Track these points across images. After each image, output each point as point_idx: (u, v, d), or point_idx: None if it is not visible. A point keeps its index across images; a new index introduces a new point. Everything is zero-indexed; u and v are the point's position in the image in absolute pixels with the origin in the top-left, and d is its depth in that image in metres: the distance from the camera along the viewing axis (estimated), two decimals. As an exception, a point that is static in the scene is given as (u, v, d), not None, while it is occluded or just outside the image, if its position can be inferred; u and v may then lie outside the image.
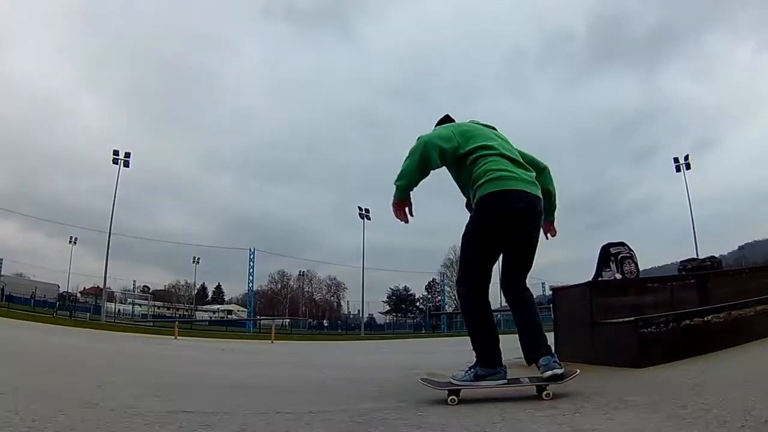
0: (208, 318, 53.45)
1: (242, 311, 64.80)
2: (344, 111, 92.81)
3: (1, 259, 47.95)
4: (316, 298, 67.08)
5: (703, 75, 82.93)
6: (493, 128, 2.74)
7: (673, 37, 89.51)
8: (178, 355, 7.00)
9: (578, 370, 2.30)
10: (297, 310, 62.40)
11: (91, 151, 77.91)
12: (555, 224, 2.87)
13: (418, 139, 2.53)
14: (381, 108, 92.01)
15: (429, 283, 62.12)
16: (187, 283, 62.88)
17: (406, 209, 2.60)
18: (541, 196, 2.50)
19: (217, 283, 67.25)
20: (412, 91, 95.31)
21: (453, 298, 60.72)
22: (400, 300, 63.27)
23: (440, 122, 2.84)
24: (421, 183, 2.58)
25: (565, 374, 2.23)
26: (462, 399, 2.25)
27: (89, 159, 75.96)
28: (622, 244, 4.55)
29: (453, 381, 2.38)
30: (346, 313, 63.83)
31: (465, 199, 2.72)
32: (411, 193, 2.58)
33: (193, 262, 54.18)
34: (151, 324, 31.79)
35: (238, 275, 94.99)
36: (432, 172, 2.56)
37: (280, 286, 63.13)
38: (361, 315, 45.09)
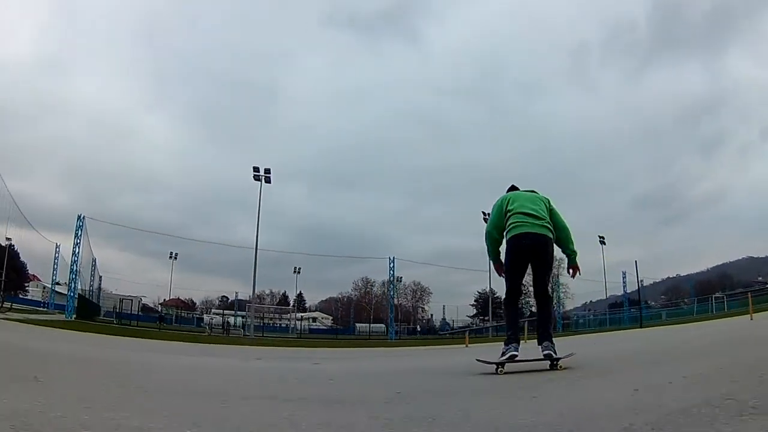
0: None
1: (326, 318, 63.86)
2: (410, 114, 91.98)
3: (101, 276, 47.39)
4: (399, 304, 65.42)
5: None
6: (533, 191, 4.34)
7: (734, 19, 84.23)
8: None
9: (574, 353, 4.12)
10: (379, 317, 60.86)
11: (159, 166, 79.54)
12: (576, 266, 4.34)
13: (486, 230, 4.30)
14: (447, 110, 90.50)
15: (517, 284, 59.48)
16: (271, 292, 62.60)
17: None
18: (545, 233, 3.97)
19: (298, 291, 66.70)
20: (477, 91, 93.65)
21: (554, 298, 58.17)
22: (487, 303, 60.77)
23: (509, 189, 4.47)
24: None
25: (558, 355, 3.66)
26: (507, 371, 3.64)
27: (156, 175, 77.42)
28: None
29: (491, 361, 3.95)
30: (428, 318, 62.00)
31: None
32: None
33: (294, 272, 53.45)
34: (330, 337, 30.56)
35: (317, 283, 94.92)
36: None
37: (363, 292, 61.78)
38: (489, 321, 42.77)
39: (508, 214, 4.04)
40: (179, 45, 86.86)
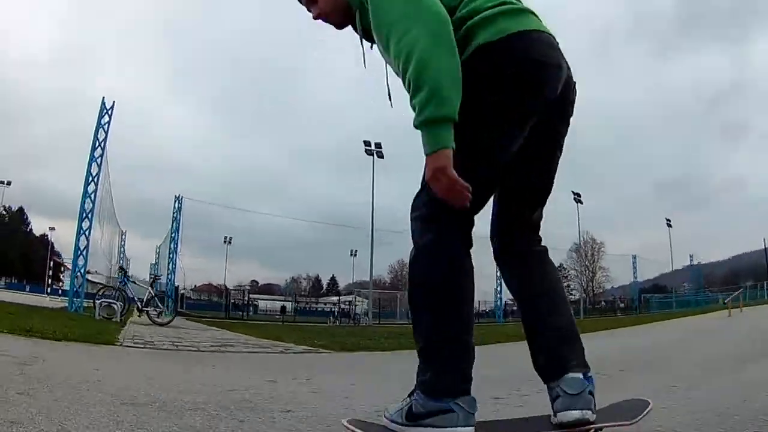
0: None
1: (361, 301, 64.48)
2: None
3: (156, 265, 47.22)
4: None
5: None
6: None
7: (759, 8, 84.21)
8: None
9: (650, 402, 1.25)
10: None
11: (184, 154, 78.26)
12: None
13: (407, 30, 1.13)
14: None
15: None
16: (308, 275, 63.17)
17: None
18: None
19: (331, 275, 67.36)
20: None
21: (581, 283, 58.21)
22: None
23: None
24: None
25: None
26: None
27: (182, 163, 76.10)
28: None
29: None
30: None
31: None
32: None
33: (351, 255, 54.21)
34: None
35: (344, 266, 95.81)
36: None
37: (400, 275, 62.48)
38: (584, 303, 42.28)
39: None
40: (203, 33, 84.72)
